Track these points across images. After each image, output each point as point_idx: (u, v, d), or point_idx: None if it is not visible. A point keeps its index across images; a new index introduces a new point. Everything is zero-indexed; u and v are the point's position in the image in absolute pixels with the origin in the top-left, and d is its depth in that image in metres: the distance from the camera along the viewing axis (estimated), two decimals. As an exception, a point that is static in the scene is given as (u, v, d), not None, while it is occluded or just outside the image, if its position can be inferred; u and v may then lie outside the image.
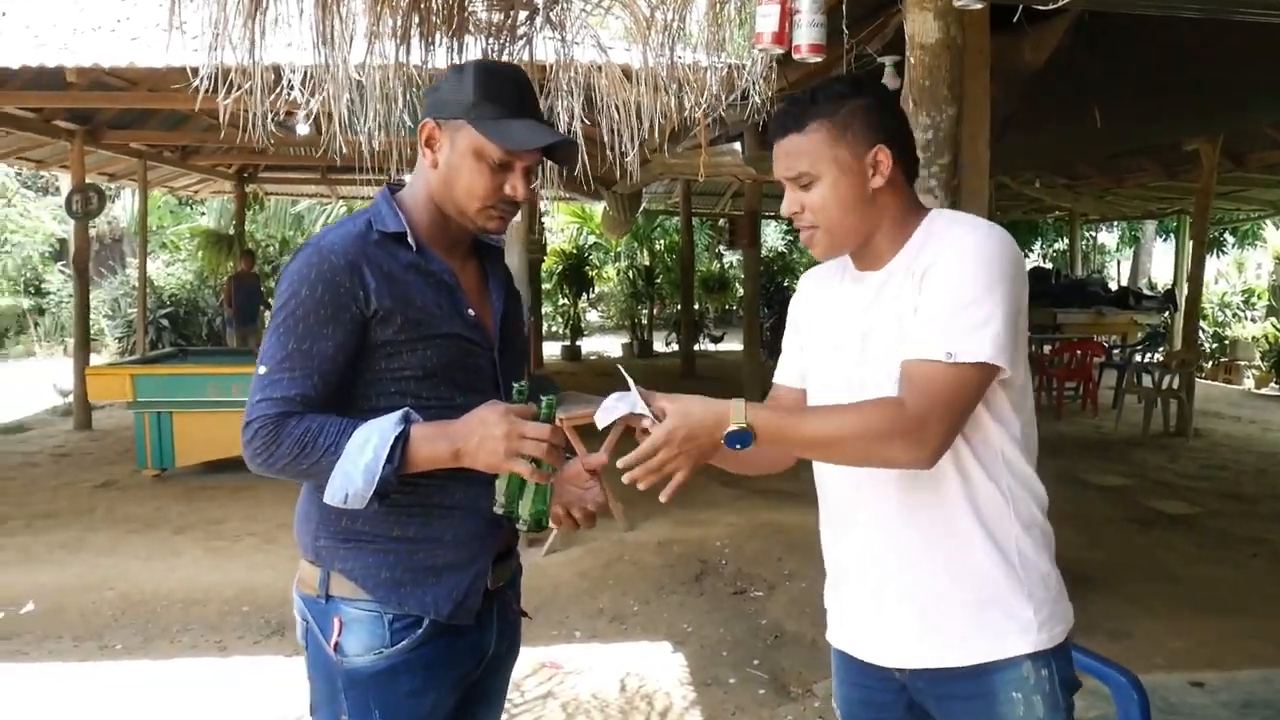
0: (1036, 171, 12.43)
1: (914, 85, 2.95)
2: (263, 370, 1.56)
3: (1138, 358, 11.79)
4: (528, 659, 4.04)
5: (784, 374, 1.87)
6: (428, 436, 1.54)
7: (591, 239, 18.36)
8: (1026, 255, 20.64)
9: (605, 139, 4.45)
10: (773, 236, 22.89)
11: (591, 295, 19.05)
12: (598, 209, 14.77)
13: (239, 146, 10.07)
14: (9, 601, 4.75)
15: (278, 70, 3.96)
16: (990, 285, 1.49)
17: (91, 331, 12.01)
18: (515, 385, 1.61)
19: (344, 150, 4.31)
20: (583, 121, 4.44)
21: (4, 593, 4.85)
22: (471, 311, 1.70)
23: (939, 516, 1.59)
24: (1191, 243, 11.20)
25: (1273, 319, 15.11)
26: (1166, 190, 12.75)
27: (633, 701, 3.77)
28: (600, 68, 4.47)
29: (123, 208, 18.77)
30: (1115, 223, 19.81)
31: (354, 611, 1.64)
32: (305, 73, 3.84)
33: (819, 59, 2.86)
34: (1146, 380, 10.23)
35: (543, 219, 13.90)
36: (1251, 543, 6.05)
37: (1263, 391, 13.36)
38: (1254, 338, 14.69)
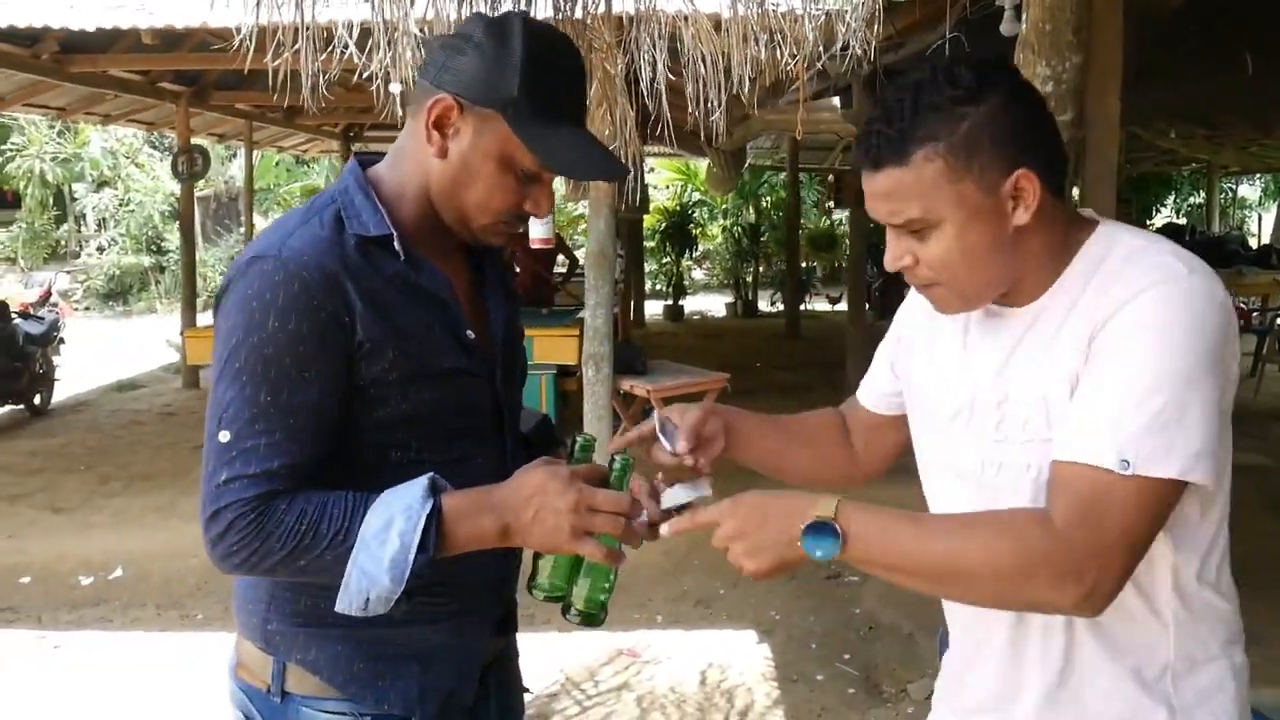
0: (1172, 121, 11.60)
1: (1034, 30, 2.60)
2: (225, 437, 1.18)
3: (1280, 322, 10.93)
4: (605, 644, 3.87)
5: (867, 392, 1.54)
6: (466, 512, 1.20)
7: (696, 196, 18.03)
8: (1158, 211, 19.56)
9: (691, 93, 4.15)
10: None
11: (695, 253, 18.73)
12: (702, 165, 14.43)
13: (340, 106, 10.23)
14: (100, 566, 4.81)
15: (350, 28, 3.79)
16: (1189, 368, 1.07)
17: (203, 291, 12.27)
18: (579, 439, 1.29)
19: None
20: (668, 75, 4.15)
21: (97, 557, 4.92)
22: (470, 334, 1.34)
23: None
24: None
25: None
26: (1318, 141, 11.76)
27: (711, 698, 3.56)
28: (687, 18, 4.16)
29: (239, 167, 19.26)
30: (1259, 175, 18.50)
31: (318, 716, 1.31)
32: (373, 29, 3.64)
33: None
34: (1290, 347, 9.49)
35: (645, 176, 13.65)
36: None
37: None
38: None
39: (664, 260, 17.35)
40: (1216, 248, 14.13)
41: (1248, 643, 1.38)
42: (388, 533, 1.16)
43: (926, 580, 1.14)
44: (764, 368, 10.39)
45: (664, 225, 17.01)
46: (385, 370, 1.24)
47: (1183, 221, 18.99)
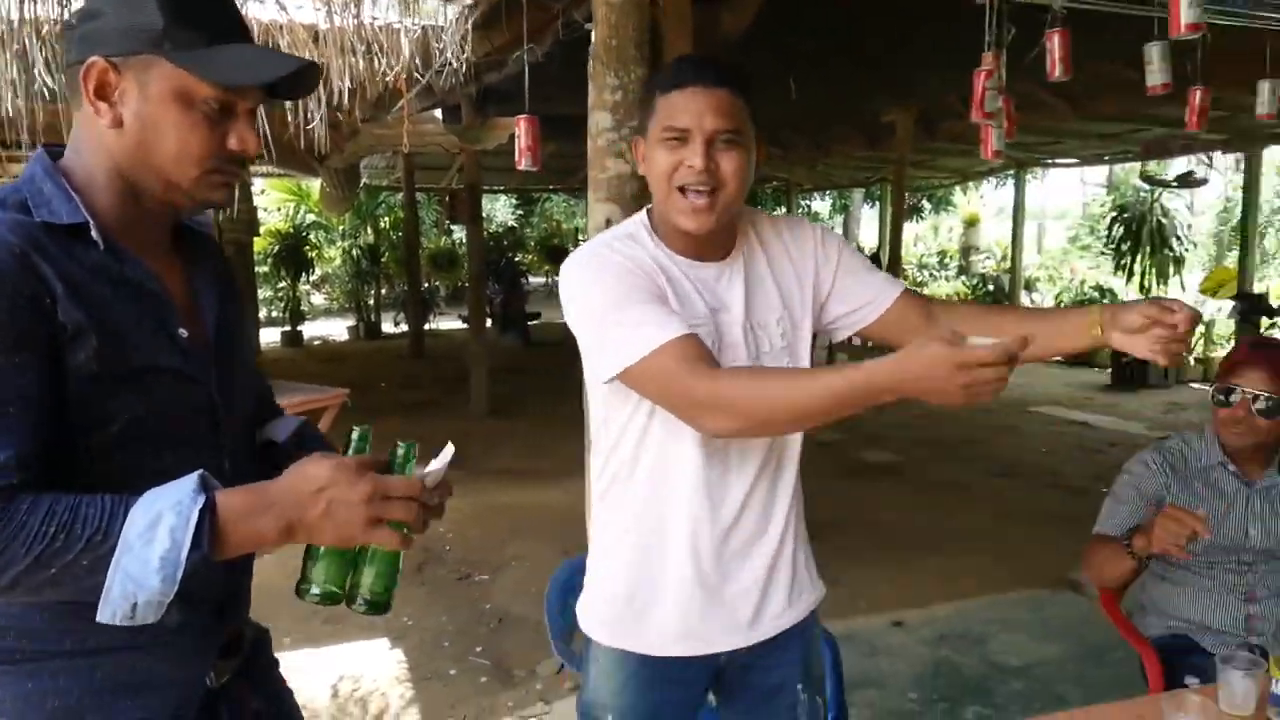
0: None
1: (602, 45, 2.85)
2: None
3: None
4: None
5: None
6: (243, 510, 1.08)
7: (310, 217, 17.42)
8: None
9: (289, 105, 4.09)
10: (502, 210, 22.71)
11: (313, 276, 18.10)
12: (315, 185, 13.99)
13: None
14: None
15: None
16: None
17: None
18: (355, 430, 1.20)
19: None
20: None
21: None
22: (184, 331, 1.22)
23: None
24: (892, 209, 11.99)
25: (963, 277, 16.54)
26: (870, 160, 13.59)
27: (345, 707, 3.52)
28: (282, 26, 4.10)
29: None
30: (827, 191, 21.00)
31: None
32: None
33: None
34: (855, 338, 10.85)
35: (253, 197, 13.01)
36: (947, 485, 6.53)
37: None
38: (948, 295, 16.02)
39: (279, 285, 16.59)
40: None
41: (826, 586, 1.77)
42: (154, 530, 1.03)
43: None
44: (389, 388, 10.30)
45: (277, 248, 16.23)
46: (88, 360, 1.10)
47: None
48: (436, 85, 5.21)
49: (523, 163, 3.54)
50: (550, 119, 4.82)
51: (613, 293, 1.52)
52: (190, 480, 1.07)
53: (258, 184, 14.91)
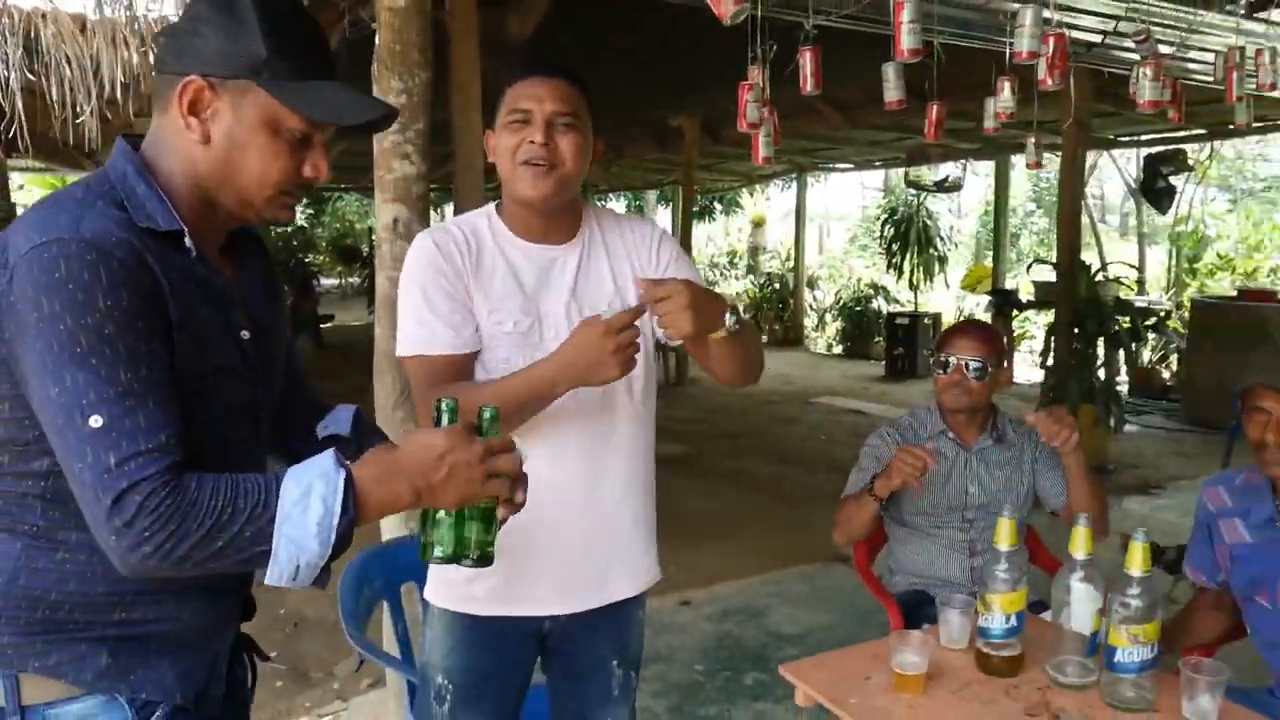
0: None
1: (385, 49, 2.90)
2: (98, 422, 1.07)
3: (643, 316, 12.88)
4: None
5: (455, 339, 1.72)
6: (378, 479, 1.17)
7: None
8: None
9: (55, 97, 3.91)
10: (293, 210, 21.91)
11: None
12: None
13: None
14: None
15: None
16: None
17: None
18: (444, 403, 1.26)
19: None
20: (27, 75, 3.87)
21: None
22: (245, 333, 1.30)
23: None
24: (682, 210, 12.41)
25: (751, 276, 17.26)
26: (660, 162, 13.99)
27: (130, 719, 3.43)
28: (45, 15, 3.92)
29: None
30: (622, 192, 21.42)
31: (74, 708, 1.22)
32: None
33: None
34: (650, 336, 11.22)
35: (12, 194, 12.08)
36: (733, 474, 6.89)
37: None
38: (738, 294, 16.69)
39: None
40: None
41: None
42: (308, 499, 1.11)
43: (754, 363, 1.88)
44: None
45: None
46: (179, 359, 1.17)
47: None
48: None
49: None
50: (340, 118, 4.79)
51: (412, 279, 1.73)
52: (328, 455, 1.16)
53: (16, 179, 13.83)
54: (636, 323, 1.59)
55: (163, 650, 1.28)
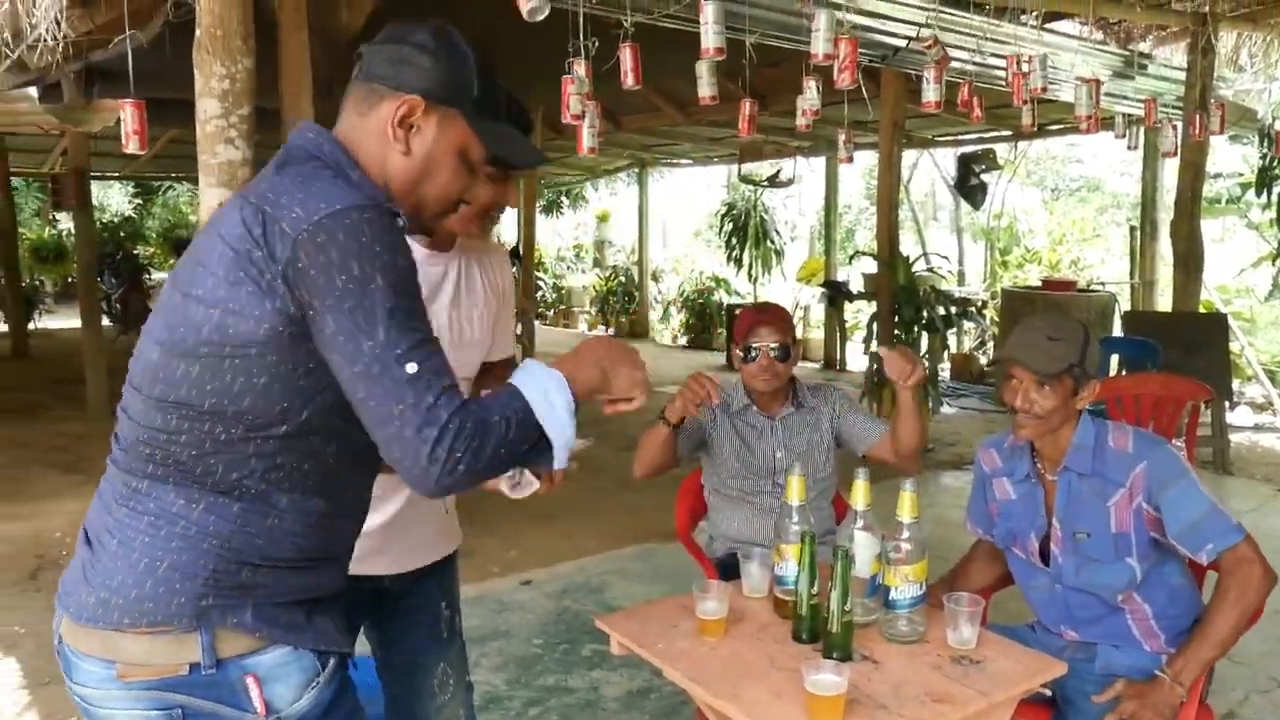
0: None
1: (207, 34, 2.91)
2: (413, 368, 1.22)
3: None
4: None
5: None
6: (574, 369, 1.42)
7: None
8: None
9: None
10: (118, 199, 20.91)
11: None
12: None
13: None
14: None
15: None
16: None
17: None
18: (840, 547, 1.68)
19: None
20: None
21: None
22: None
23: None
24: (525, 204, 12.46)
25: (597, 270, 17.45)
26: (504, 156, 13.99)
27: (-55, 721, 3.31)
28: None
29: None
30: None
31: (267, 659, 1.34)
32: None
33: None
34: (495, 328, 11.27)
35: None
36: (578, 460, 7.01)
37: (593, 333, 15.45)
38: (584, 287, 16.86)
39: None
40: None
41: (460, 556, 2.07)
42: (550, 397, 1.33)
43: None
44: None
45: None
46: None
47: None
48: (30, 61, 4.88)
49: (129, 145, 3.49)
50: (167, 104, 4.68)
51: None
52: (539, 365, 1.38)
53: None
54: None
55: (325, 609, 1.43)
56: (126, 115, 3.42)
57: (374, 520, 1.90)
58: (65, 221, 16.87)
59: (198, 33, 2.94)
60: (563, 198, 19.45)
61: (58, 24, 3.89)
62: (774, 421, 2.92)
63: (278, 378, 1.27)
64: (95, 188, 11.67)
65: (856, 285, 10.89)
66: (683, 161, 14.47)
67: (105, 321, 10.35)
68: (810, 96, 4.42)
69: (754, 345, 2.83)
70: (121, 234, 17.51)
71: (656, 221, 16.72)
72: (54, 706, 3.40)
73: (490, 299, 2.06)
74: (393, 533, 1.99)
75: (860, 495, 2.07)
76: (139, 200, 21.27)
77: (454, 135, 1.42)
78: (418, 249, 1.90)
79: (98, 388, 8.44)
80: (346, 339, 1.22)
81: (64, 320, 14.62)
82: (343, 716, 1.45)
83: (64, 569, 1.42)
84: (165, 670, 1.30)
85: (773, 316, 2.88)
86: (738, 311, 3.07)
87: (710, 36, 3.32)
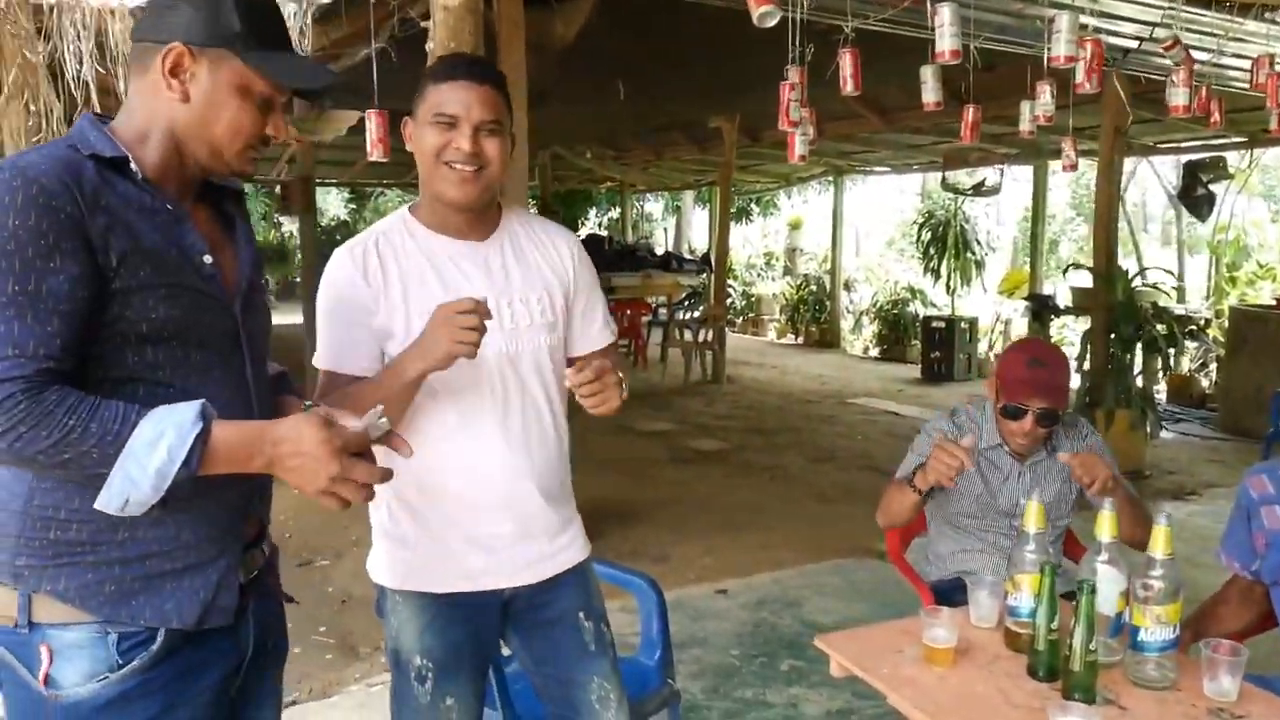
0: (587, 143, 13.18)
1: (441, 48, 3.04)
2: None
3: (680, 315, 12.97)
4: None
5: (358, 361, 1.85)
6: (237, 441, 1.30)
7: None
8: (582, 223, 21.85)
9: (122, 90, 4.07)
10: (335, 205, 22.24)
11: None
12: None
13: None
14: None
15: None
16: None
17: None
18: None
19: None
20: (96, 70, 4.03)
21: None
22: (208, 259, 1.45)
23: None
24: (719, 211, 12.50)
25: (787, 278, 17.29)
26: (699, 163, 14.10)
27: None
28: (113, 11, 4.09)
29: None
30: (660, 193, 21.52)
31: (68, 635, 1.36)
32: None
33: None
34: (687, 335, 11.33)
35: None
36: (769, 469, 6.97)
37: (782, 341, 15.33)
38: (774, 295, 16.74)
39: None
40: (630, 254, 16.23)
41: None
42: (157, 445, 1.23)
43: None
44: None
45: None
46: (123, 272, 1.31)
47: (604, 232, 21.45)
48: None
49: (374, 154, 3.69)
50: (394, 114, 4.93)
51: (322, 301, 1.87)
52: (194, 406, 1.27)
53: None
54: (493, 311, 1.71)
55: (164, 575, 1.40)
56: (371, 124, 3.61)
57: (479, 535, 1.90)
58: (289, 225, 18.08)
59: (430, 45, 3.07)
60: (752, 204, 19.39)
61: (300, 41, 4.14)
62: (1023, 467, 2.68)
63: None
64: (317, 193, 12.45)
65: (1063, 299, 10.34)
66: (879, 169, 14.15)
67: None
68: (1044, 102, 4.21)
69: (1020, 407, 2.56)
70: (337, 236, 18.61)
71: (849, 229, 16.41)
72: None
73: (552, 282, 1.95)
74: (500, 547, 1.92)
75: (1106, 526, 1.94)
76: (353, 205, 22.58)
77: (228, 75, 1.43)
78: (453, 243, 1.87)
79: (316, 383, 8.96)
80: None
81: (285, 316, 15.62)
82: (142, 715, 1.40)
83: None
84: None
85: (1048, 376, 2.55)
86: (1006, 351, 2.76)
87: (946, 39, 3.21)
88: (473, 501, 1.89)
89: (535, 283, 1.92)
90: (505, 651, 2.12)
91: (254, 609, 1.56)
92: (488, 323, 1.69)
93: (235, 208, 1.61)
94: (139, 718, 1.39)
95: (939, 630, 1.93)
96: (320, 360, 1.88)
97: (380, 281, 1.83)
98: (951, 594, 2.70)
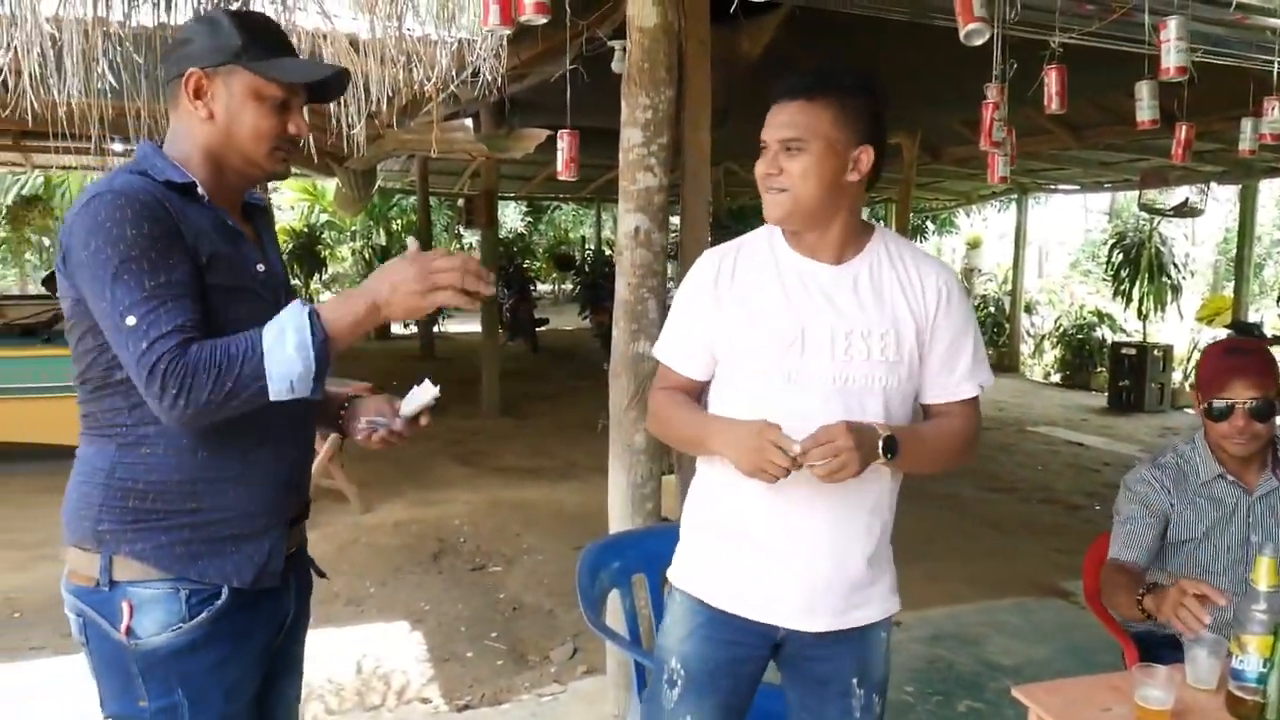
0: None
1: (634, 66, 3.06)
2: (132, 320, 1.45)
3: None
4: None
5: (687, 363, 1.92)
6: (337, 303, 1.54)
7: (324, 217, 17.67)
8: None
9: (332, 111, 4.30)
10: (512, 217, 22.93)
11: (325, 276, 18.32)
12: (330, 185, 14.20)
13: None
14: None
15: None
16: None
17: None
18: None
19: (37, 112, 3.92)
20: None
21: None
22: (260, 266, 1.68)
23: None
24: (895, 228, 12.21)
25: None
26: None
27: (369, 682, 3.71)
28: (325, 36, 4.31)
29: None
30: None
31: (145, 592, 1.58)
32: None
33: (544, 19, 2.78)
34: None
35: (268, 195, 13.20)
36: (941, 498, 6.72)
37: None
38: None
39: (293, 283, 16.78)
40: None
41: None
42: (284, 335, 1.46)
43: (941, 465, 1.87)
44: (400, 386, 10.47)
45: (291, 246, 16.51)
46: (213, 278, 1.55)
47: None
48: (463, 94, 5.42)
49: (566, 173, 3.77)
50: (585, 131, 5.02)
51: (679, 296, 1.95)
52: (295, 302, 1.52)
53: (271, 183, 15.11)
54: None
55: (224, 540, 1.61)
56: (563, 144, 3.68)
57: (773, 564, 1.84)
58: (469, 237, 18.74)
59: (625, 65, 3.09)
60: (928, 222, 18.88)
61: (495, 61, 4.26)
62: (1251, 498, 2.41)
63: (97, 339, 1.53)
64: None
65: (1270, 327, 9.61)
66: (1065, 187, 13.52)
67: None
68: (1274, 118, 3.90)
69: (1227, 400, 2.34)
70: (514, 249, 19.15)
71: (1030, 249, 15.76)
72: (455, 682, 3.71)
73: (904, 319, 1.80)
74: (792, 583, 1.83)
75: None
76: (530, 219, 23.22)
77: (240, 85, 1.61)
78: (804, 261, 1.82)
79: (491, 388, 9.26)
80: (93, 302, 1.49)
81: (463, 325, 16.22)
82: (208, 661, 1.60)
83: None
84: (80, 580, 1.60)
85: (1251, 362, 2.35)
86: (1202, 352, 2.56)
87: (1173, 55, 3.01)
88: (775, 534, 1.83)
89: (883, 318, 1.80)
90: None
91: (295, 579, 1.81)
92: (818, 347, 1.75)
93: (262, 221, 1.82)
94: (204, 664, 1.60)
95: (1154, 691, 1.79)
96: (656, 349, 2.01)
97: (728, 283, 1.86)
98: (1157, 648, 2.51)
